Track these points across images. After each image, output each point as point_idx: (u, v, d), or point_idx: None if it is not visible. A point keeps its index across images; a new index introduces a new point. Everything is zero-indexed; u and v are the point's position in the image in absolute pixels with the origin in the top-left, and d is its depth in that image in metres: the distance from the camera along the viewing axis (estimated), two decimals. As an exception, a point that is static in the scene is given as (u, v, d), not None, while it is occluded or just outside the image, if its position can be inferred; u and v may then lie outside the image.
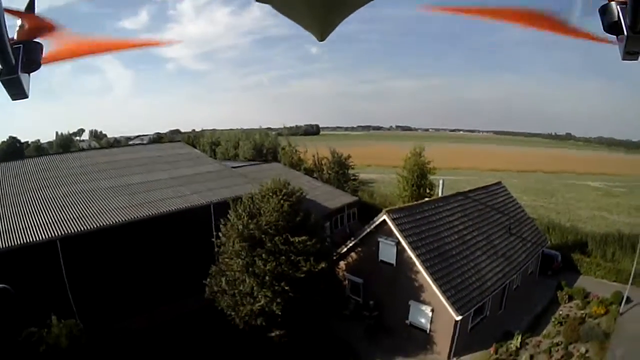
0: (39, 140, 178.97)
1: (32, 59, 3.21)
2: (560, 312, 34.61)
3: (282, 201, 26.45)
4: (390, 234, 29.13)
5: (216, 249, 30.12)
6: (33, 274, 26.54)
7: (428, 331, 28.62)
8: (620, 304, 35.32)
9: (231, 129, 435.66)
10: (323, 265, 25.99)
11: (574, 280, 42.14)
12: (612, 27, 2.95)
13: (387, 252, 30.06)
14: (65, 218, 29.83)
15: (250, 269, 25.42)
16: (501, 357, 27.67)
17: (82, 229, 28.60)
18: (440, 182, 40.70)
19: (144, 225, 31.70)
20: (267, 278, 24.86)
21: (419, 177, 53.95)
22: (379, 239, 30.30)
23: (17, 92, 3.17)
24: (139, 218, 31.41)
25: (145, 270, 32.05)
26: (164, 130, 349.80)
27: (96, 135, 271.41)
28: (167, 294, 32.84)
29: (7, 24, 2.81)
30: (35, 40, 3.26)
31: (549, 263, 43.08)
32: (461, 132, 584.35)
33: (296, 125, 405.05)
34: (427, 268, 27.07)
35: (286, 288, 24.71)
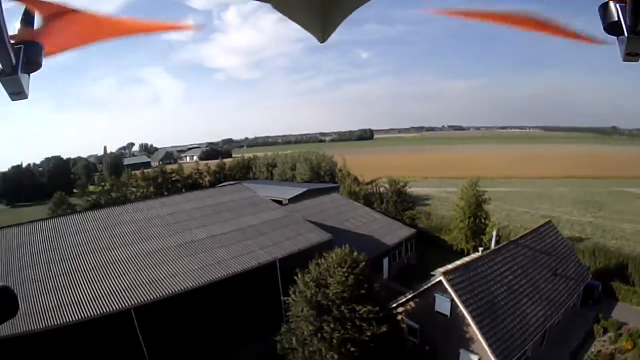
0: (86, 159, 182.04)
1: (33, 59, 3.33)
2: (593, 349, 37.80)
3: (347, 274, 29.45)
4: (445, 290, 33.07)
5: (284, 307, 33.80)
6: (109, 342, 28.57)
7: (476, 378, 32.15)
8: None
9: (284, 135, 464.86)
10: (384, 329, 29.22)
11: (612, 308, 44.94)
12: (611, 27, 3.00)
13: (442, 305, 34.01)
14: (137, 284, 31.62)
15: (319, 334, 28.80)
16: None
17: (156, 296, 30.59)
18: (494, 233, 44.50)
19: (215, 285, 33.94)
20: (334, 342, 28.34)
21: (475, 207, 57.59)
22: (435, 294, 34.38)
23: (17, 92, 3.29)
24: (210, 282, 33.56)
25: (217, 323, 34.55)
26: (216, 139, 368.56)
27: (146, 149, 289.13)
28: (236, 342, 35.82)
29: (7, 24, 2.93)
30: (36, 41, 3.37)
31: (590, 293, 45.39)
32: (510, 130, 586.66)
33: (349, 131, 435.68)
34: (476, 322, 31.15)
35: (352, 349, 28.41)
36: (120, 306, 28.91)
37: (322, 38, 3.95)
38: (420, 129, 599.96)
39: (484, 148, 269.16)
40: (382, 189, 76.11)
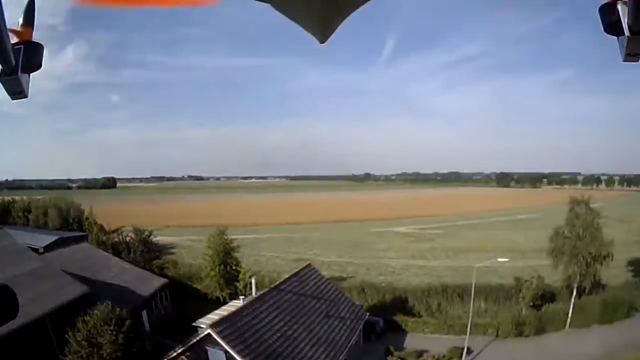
0: None
1: (32, 59, 3.45)
2: None
3: (116, 333, 29.54)
4: (216, 343, 32.15)
5: None
6: None
7: None
8: (460, 358, 41.11)
9: (38, 179, 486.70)
10: None
11: (402, 340, 47.40)
12: (612, 27, 3.09)
13: (216, 358, 32.98)
14: None
15: None
16: None
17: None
18: (252, 281, 44.48)
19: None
20: None
21: (225, 255, 59.63)
22: (207, 347, 33.38)
23: (17, 92, 3.40)
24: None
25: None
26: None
27: None
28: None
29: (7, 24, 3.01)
30: (36, 41, 3.48)
31: (371, 329, 47.55)
32: (253, 180, 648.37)
33: (94, 178, 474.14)
34: None
35: None
36: None
37: (323, 38, 4.00)
38: (161, 178, 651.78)
39: (226, 197, 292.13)
40: (128, 238, 76.08)
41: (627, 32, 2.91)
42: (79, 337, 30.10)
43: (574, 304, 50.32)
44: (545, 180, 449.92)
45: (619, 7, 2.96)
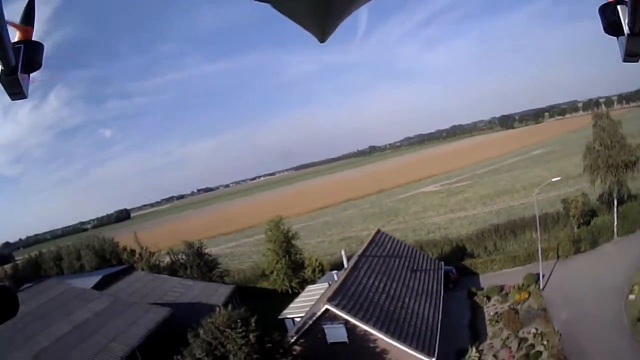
0: None
1: (32, 59, 3.50)
2: (489, 313, 42.84)
3: (247, 333, 28.53)
4: (335, 317, 33.74)
5: None
6: None
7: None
8: (536, 283, 44.94)
9: (53, 230, 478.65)
10: None
11: (476, 282, 51.00)
12: (612, 27, 3.11)
13: (336, 334, 34.41)
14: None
15: None
16: (469, 370, 34.23)
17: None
18: (343, 252, 45.75)
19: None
20: None
21: (286, 244, 60.31)
22: (324, 326, 34.64)
23: (17, 92, 3.43)
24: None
25: None
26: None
27: None
28: None
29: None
30: (36, 40, 3.54)
31: (446, 277, 49.60)
32: (262, 178, 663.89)
33: (107, 214, 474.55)
34: (386, 333, 32.30)
35: None
36: None
37: (323, 38, 3.76)
38: (170, 199, 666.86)
39: (242, 200, 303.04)
40: (180, 256, 75.76)
41: (626, 32, 2.98)
42: (198, 353, 27.98)
43: (617, 213, 54.10)
44: (546, 114, 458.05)
45: (619, 6, 3.04)
